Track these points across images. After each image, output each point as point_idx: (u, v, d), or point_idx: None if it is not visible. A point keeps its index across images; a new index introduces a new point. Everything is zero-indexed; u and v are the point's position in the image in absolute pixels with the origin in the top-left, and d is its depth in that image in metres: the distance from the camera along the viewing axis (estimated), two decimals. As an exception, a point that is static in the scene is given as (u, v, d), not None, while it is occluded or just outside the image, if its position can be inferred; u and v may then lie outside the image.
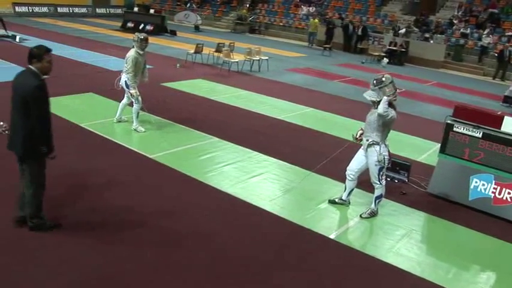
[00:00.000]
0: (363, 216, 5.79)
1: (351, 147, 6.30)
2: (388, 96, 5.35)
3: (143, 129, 8.07)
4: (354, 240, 5.30)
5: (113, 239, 4.75)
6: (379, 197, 5.76)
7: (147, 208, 5.47)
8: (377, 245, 5.22)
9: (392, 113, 5.38)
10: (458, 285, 4.62)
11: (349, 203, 6.11)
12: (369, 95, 5.48)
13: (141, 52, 7.85)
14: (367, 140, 5.59)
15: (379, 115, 5.34)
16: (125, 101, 8.25)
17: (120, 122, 8.38)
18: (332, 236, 5.28)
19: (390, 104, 5.42)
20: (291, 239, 5.15)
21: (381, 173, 5.60)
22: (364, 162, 5.72)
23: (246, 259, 4.68)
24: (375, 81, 5.46)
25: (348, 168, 5.90)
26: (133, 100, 7.92)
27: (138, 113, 8.03)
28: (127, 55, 7.84)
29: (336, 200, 6.11)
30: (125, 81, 7.88)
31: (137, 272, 4.27)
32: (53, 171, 6.12)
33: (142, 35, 7.84)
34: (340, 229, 5.50)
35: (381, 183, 5.65)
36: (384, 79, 5.42)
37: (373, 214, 5.83)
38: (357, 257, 4.95)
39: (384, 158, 5.53)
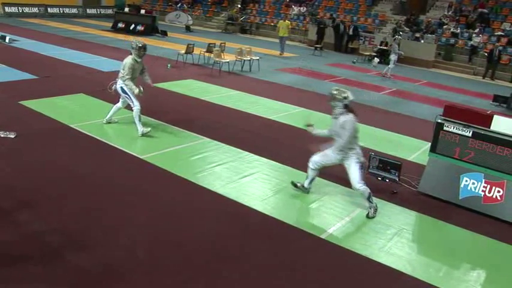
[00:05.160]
0: (370, 216, 5.82)
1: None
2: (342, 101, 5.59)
3: (149, 129, 7.87)
4: (345, 239, 5.29)
5: (107, 239, 4.73)
6: (370, 194, 5.79)
7: (138, 208, 5.44)
8: (368, 244, 5.23)
9: (351, 124, 5.56)
10: (449, 284, 4.64)
11: (309, 191, 6.26)
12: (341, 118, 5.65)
13: (139, 60, 7.75)
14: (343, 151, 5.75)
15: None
16: (119, 105, 8.15)
17: (109, 123, 8.29)
18: (323, 236, 5.29)
19: (348, 109, 5.63)
20: (283, 239, 5.14)
21: (361, 171, 5.80)
22: (331, 162, 5.92)
23: (238, 259, 4.67)
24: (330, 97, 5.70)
25: (313, 159, 6.05)
26: (131, 103, 7.79)
27: (139, 116, 7.82)
28: (124, 61, 7.73)
29: (298, 185, 6.26)
30: (121, 87, 7.77)
31: (133, 271, 4.25)
32: (44, 172, 6.12)
33: (140, 43, 7.65)
34: (331, 229, 5.49)
35: (364, 182, 5.77)
36: (334, 92, 5.66)
37: (376, 209, 5.88)
38: (348, 256, 4.95)
39: (361, 156, 5.80)
